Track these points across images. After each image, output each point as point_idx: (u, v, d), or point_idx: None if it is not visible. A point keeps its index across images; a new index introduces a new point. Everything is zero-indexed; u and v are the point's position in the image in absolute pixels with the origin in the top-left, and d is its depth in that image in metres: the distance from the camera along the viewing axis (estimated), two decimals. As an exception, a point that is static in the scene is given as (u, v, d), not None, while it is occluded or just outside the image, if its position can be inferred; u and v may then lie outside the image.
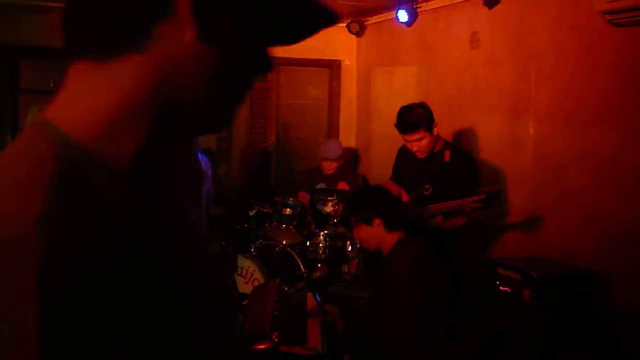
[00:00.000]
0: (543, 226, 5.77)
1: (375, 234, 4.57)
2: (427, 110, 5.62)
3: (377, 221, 4.53)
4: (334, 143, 7.58)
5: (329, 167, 7.57)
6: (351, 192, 5.89)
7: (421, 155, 5.75)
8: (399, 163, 6.15)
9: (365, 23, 8.80)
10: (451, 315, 4.59)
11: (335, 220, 6.67)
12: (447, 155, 5.71)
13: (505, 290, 5.07)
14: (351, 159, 9.01)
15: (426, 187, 5.73)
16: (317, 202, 7.39)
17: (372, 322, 4.47)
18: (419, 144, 5.64)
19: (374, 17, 8.58)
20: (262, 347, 3.44)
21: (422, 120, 5.56)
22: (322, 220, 7.26)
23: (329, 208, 7.29)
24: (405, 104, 5.70)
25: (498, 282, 5.15)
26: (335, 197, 7.01)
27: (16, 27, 7.80)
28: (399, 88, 8.08)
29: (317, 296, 4.20)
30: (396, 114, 5.66)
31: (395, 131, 6.04)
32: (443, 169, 5.67)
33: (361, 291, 5.96)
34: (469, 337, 5.15)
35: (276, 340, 3.63)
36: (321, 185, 7.64)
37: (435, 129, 5.62)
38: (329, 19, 1.31)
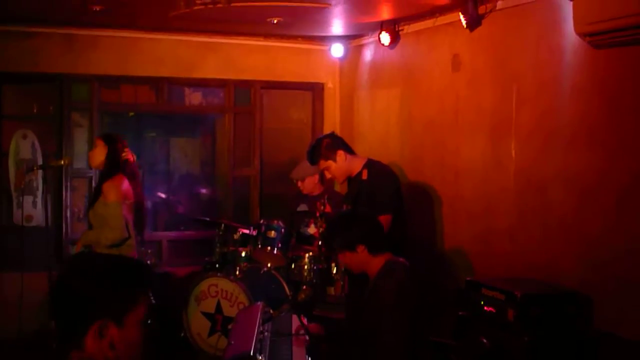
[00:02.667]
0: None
1: (360, 260, 4.59)
2: (331, 139, 6.14)
3: (361, 247, 4.54)
4: (301, 164, 7.66)
5: (302, 188, 7.63)
6: (332, 218, 5.96)
7: (338, 181, 6.33)
8: None
9: (348, 46, 8.84)
10: (436, 337, 4.61)
11: (319, 242, 6.67)
12: (365, 174, 6.00)
13: (490, 310, 5.08)
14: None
15: (344, 208, 5.95)
16: (300, 224, 7.42)
17: (357, 345, 4.47)
18: (327, 172, 6.16)
19: (356, 39, 8.62)
20: (247, 369, 3.44)
21: (319, 152, 6.03)
22: (306, 242, 7.28)
23: (312, 230, 7.31)
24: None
25: (482, 302, 5.16)
26: (317, 219, 7.04)
27: (-1, 52, 7.81)
28: (382, 110, 8.11)
29: (301, 318, 4.21)
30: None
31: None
32: (361, 187, 5.96)
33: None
34: (453, 358, 5.16)
35: (262, 362, 3.63)
36: (302, 207, 7.68)
37: (339, 157, 6.00)
38: None
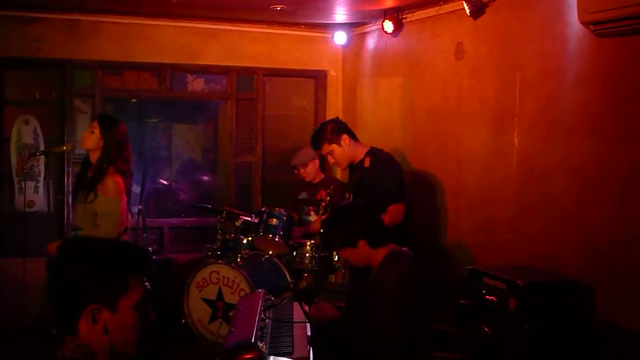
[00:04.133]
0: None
1: (363, 254, 4.58)
2: (335, 124, 6.13)
3: (362, 242, 4.53)
4: (302, 150, 7.68)
5: (304, 174, 7.63)
6: (328, 216, 5.95)
7: (340, 167, 6.33)
8: None
9: (351, 33, 8.82)
10: (437, 325, 4.61)
11: (322, 231, 6.68)
12: (367, 162, 6.02)
13: (491, 299, 5.09)
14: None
15: (346, 195, 5.96)
16: (301, 212, 7.43)
17: (359, 333, 4.47)
18: (331, 157, 6.11)
19: (359, 27, 8.60)
20: (249, 356, 3.45)
21: (323, 136, 6.03)
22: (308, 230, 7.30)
23: (312, 217, 7.32)
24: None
25: (484, 291, 5.17)
26: (318, 206, 7.04)
27: (2, 37, 7.78)
28: (384, 99, 8.10)
29: (303, 306, 4.20)
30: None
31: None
32: (364, 175, 5.97)
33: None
34: (454, 346, 5.16)
35: (263, 350, 3.62)
36: (303, 195, 7.68)
37: (344, 142, 6.01)
38: None
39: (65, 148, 6.02)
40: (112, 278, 2.36)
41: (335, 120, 6.19)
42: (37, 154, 6.36)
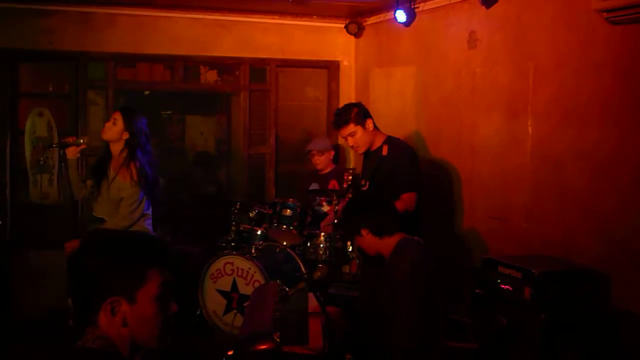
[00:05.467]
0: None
1: (369, 242, 4.61)
2: (360, 107, 6.06)
3: (365, 231, 4.56)
4: (319, 137, 7.67)
5: (318, 161, 7.63)
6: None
7: (358, 151, 6.16)
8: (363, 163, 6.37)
9: (364, 24, 8.80)
10: (452, 314, 4.60)
11: (335, 221, 6.68)
12: (385, 150, 5.98)
13: (506, 288, 5.08)
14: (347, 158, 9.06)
15: (362, 182, 5.95)
16: (313, 203, 7.42)
17: (373, 324, 4.47)
18: (352, 139, 6.01)
19: (372, 17, 8.59)
20: (264, 347, 3.45)
21: (350, 115, 5.95)
22: (319, 217, 7.28)
23: (325, 207, 7.31)
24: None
25: (499, 280, 5.16)
26: (330, 196, 7.05)
27: (16, 30, 7.79)
28: (398, 88, 8.09)
29: (318, 296, 4.21)
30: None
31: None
32: (381, 163, 5.94)
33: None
34: (470, 336, 5.16)
35: (278, 340, 3.63)
36: (314, 186, 7.68)
37: (368, 125, 5.96)
38: None
39: (82, 140, 6.00)
40: (130, 270, 2.35)
41: (359, 105, 6.15)
42: (54, 145, 6.34)
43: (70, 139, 5.98)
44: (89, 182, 5.95)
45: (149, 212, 5.93)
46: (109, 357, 2.34)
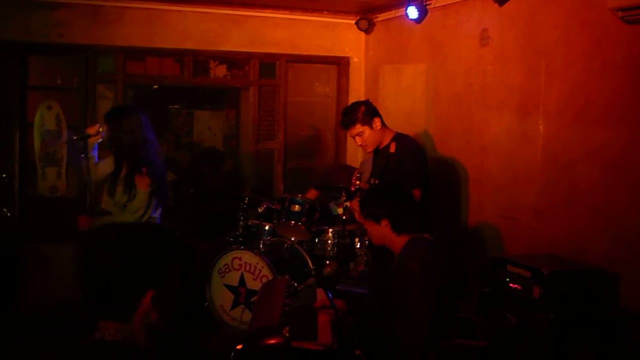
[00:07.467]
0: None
1: (383, 234, 4.57)
2: (367, 106, 6.02)
3: (385, 222, 4.52)
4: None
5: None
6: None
7: (367, 150, 6.16)
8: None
9: (375, 20, 8.79)
10: (461, 313, 4.59)
11: (344, 218, 6.66)
12: (393, 147, 5.97)
13: (516, 287, 5.06)
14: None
15: (372, 180, 5.92)
16: (330, 199, 7.39)
17: (382, 321, 4.45)
18: (360, 138, 6.01)
19: (383, 14, 8.57)
20: (273, 342, 3.44)
21: (357, 116, 5.93)
22: (331, 219, 7.27)
23: (340, 210, 7.26)
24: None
25: (508, 280, 5.14)
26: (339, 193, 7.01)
27: (24, 23, 7.79)
28: (408, 85, 8.07)
29: (328, 292, 4.19)
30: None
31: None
32: (389, 160, 5.93)
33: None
34: (479, 334, 5.14)
35: (287, 335, 3.62)
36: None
37: (375, 124, 5.94)
38: None
39: (101, 129, 5.98)
40: (149, 259, 2.38)
41: (367, 103, 6.12)
42: (75, 138, 6.28)
43: (92, 130, 5.97)
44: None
45: (156, 214, 5.95)
46: (129, 349, 2.36)
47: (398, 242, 4.53)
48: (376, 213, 4.57)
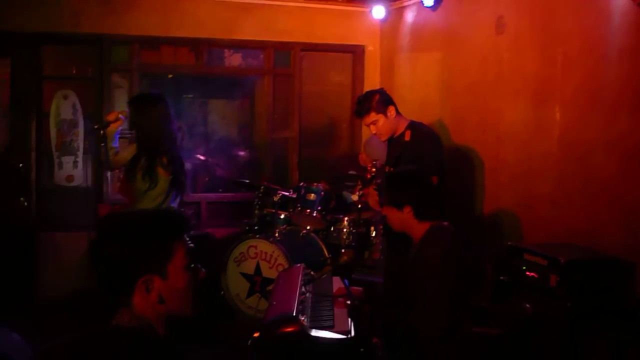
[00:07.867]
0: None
1: (404, 220, 4.55)
2: (382, 94, 6.01)
3: (408, 208, 4.50)
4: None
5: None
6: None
7: (382, 138, 6.11)
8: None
9: (390, 8, 8.76)
10: (478, 301, 4.58)
11: (359, 206, 6.66)
12: (408, 135, 5.95)
13: (532, 275, 5.05)
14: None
15: (387, 169, 5.91)
16: (344, 188, 7.39)
17: (400, 308, 4.45)
18: (375, 127, 6.00)
19: (397, 1, 8.54)
20: (290, 330, 3.45)
21: (371, 104, 5.92)
22: (346, 207, 7.27)
23: (355, 197, 7.27)
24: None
25: (524, 268, 5.13)
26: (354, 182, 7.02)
27: (39, 13, 7.81)
28: (423, 74, 8.05)
29: (345, 280, 4.20)
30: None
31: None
32: (404, 148, 5.91)
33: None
34: (495, 323, 5.14)
35: (304, 323, 3.63)
36: (352, 171, 7.61)
37: (390, 112, 5.93)
38: None
39: (121, 115, 5.97)
40: (155, 246, 2.40)
41: (381, 91, 6.10)
42: (95, 127, 6.26)
43: (111, 116, 5.97)
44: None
45: (175, 204, 5.93)
46: (146, 336, 2.38)
47: (419, 229, 4.51)
48: (399, 199, 4.55)
